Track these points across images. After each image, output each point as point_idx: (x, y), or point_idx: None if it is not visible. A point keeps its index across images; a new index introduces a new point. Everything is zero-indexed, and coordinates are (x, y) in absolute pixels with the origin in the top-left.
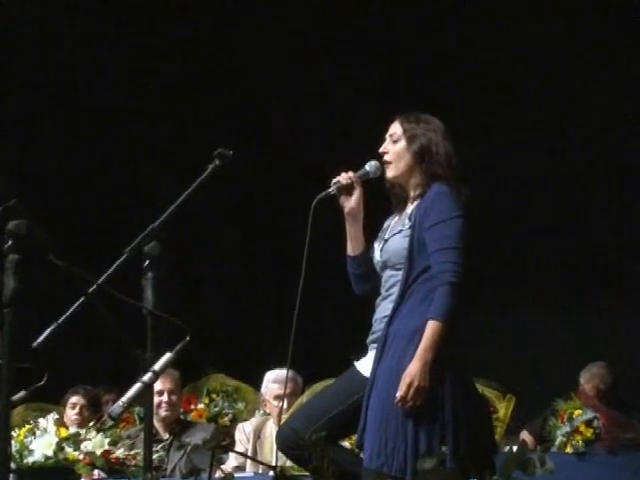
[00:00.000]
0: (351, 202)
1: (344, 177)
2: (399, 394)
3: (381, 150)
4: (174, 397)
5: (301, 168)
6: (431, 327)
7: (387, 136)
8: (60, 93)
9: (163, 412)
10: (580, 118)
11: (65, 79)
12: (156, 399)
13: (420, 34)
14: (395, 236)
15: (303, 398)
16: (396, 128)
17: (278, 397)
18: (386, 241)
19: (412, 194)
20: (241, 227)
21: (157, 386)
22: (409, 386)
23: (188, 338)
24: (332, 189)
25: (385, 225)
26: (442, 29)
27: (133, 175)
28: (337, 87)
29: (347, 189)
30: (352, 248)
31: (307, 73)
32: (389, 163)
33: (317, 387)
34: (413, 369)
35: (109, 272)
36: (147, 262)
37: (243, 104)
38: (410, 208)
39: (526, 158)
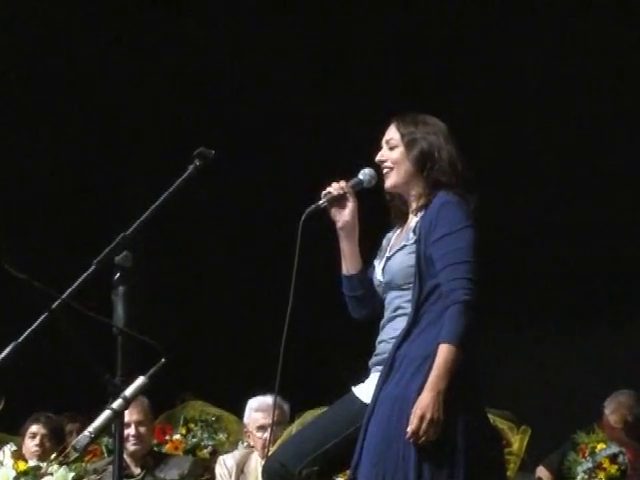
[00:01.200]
0: (344, 215)
1: (335, 187)
2: (410, 428)
3: (378, 159)
4: (142, 429)
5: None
6: (443, 352)
7: (383, 142)
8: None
9: (131, 446)
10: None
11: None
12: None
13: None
14: (398, 253)
15: (293, 428)
16: (393, 133)
17: (262, 427)
18: (388, 259)
19: (414, 205)
20: (228, 240)
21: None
22: (421, 419)
23: (163, 360)
24: (322, 201)
25: (385, 241)
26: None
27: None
28: (329, 86)
29: (339, 201)
30: (347, 267)
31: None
32: (387, 172)
33: (308, 416)
34: (425, 400)
35: (75, 285)
36: (118, 274)
37: (241, 101)
38: (414, 221)
39: (544, 167)
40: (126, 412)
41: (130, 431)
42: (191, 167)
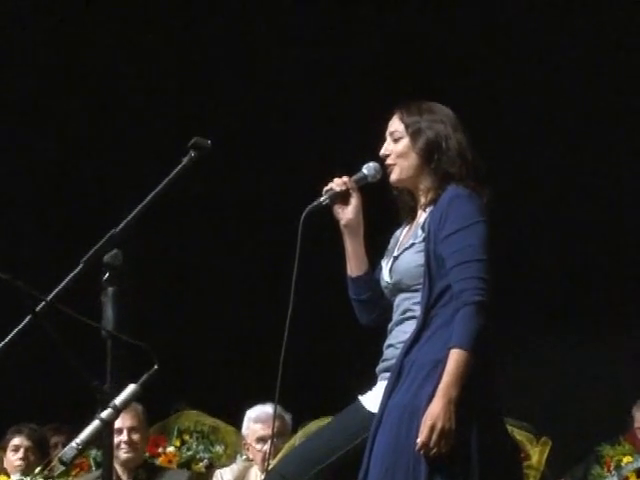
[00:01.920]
0: (348, 213)
1: (338, 183)
2: (420, 439)
3: (382, 152)
4: (136, 436)
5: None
6: (454, 357)
7: (387, 134)
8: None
9: (123, 454)
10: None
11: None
12: (115, 439)
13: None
14: (406, 252)
15: (295, 440)
16: (396, 124)
17: (262, 439)
18: (396, 258)
19: (423, 200)
20: (227, 241)
21: (116, 423)
22: (432, 429)
23: (156, 367)
24: (324, 198)
25: (393, 239)
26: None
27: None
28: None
29: (342, 197)
30: (352, 268)
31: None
32: (392, 166)
33: (312, 427)
34: (436, 409)
35: (61, 286)
36: (107, 274)
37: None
38: (422, 217)
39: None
40: (119, 418)
41: (122, 437)
42: (185, 159)
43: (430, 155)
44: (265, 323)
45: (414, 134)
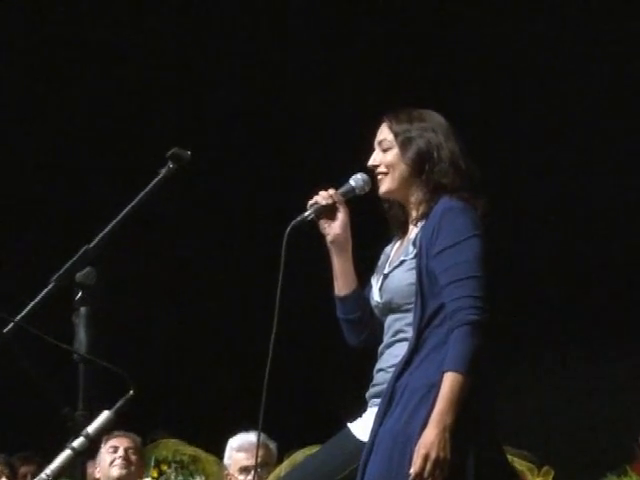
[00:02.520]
0: (335, 228)
1: (323, 196)
2: (414, 470)
3: (370, 163)
4: (133, 457)
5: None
6: (449, 381)
7: (376, 144)
8: None
9: (117, 470)
10: None
11: None
12: (106, 457)
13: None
14: (397, 269)
15: (281, 470)
16: (385, 133)
17: (245, 469)
18: (386, 276)
19: (414, 214)
20: (209, 255)
21: (110, 443)
22: (425, 459)
23: (132, 392)
24: (309, 212)
25: (383, 256)
26: None
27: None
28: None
29: (328, 211)
30: (340, 287)
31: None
32: (381, 177)
33: (299, 456)
34: (429, 437)
35: (30, 306)
36: (80, 294)
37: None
38: (414, 232)
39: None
40: (114, 440)
41: (119, 454)
42: (163, 171)
43: (421, 165)
44: (248, 347)
45: (404, 143)
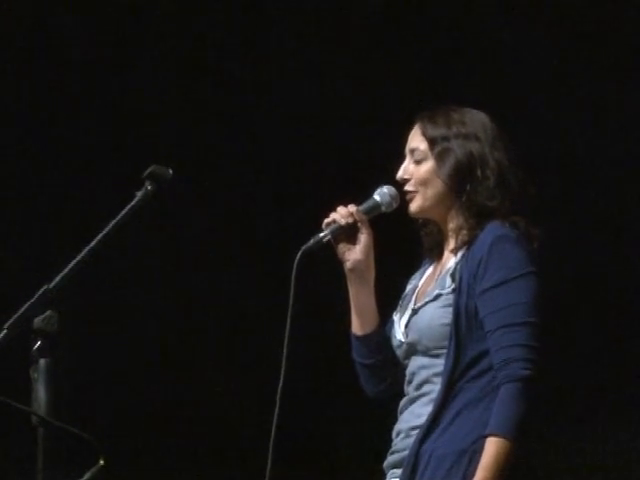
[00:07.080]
0: (355, 253)
1: (342, 214)
2: None
3: (399, 176)
4: None
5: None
6: (494, 448)
7: (406, 151)
8: None
9: None
10: None
11: None
12: None
13: None
14: (430, 304)
15: None
16: (417, 140)
17: None
18: (415, 312)
19: (453, 242)
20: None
21: None
22: None
23: (102, 462)
24: (325, 233)
25: (410, 286)
26: None
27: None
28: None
29: (348, 233)
30: (358, 325)
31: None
32: (412, 193)
33: None
34: None
35: None
36: (39, 342)
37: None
38: (451, 261)
39: None
40: None
41: None
42: (140, 193)
43: (461, 184)
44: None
45: (440, 155)
